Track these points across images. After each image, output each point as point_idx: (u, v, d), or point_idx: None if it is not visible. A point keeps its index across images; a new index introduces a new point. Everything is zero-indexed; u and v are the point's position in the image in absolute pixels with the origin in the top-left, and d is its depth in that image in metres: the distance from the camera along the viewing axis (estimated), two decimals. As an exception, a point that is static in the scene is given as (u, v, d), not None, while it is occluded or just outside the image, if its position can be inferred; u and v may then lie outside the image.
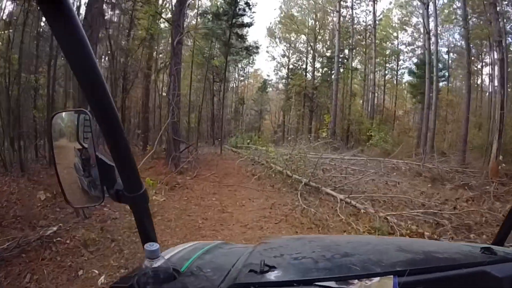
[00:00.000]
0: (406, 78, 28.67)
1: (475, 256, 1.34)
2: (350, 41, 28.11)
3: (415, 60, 27.01)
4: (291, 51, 31.01)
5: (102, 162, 1.21)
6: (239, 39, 23.97)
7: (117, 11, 19.25)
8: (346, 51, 28.33)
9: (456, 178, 13.76)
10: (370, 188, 11.24)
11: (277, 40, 31.38)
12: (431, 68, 21.23)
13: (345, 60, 28.24)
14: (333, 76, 27.11)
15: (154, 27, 18.20)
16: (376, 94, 28.03)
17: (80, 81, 0.95)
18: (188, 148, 15.85)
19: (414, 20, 27.13)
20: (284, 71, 31.08)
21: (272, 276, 1.13)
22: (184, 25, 16.28)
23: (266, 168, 14.15)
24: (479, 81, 24.72)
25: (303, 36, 30.67)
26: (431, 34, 22.67)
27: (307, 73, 29.93)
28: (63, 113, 1.44)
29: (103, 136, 1.07)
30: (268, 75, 37.20)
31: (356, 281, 1.08)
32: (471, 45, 22.96)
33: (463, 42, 23.79)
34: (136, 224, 1.30)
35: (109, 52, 17.15)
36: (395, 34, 28.53)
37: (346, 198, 9.84)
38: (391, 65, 29.13)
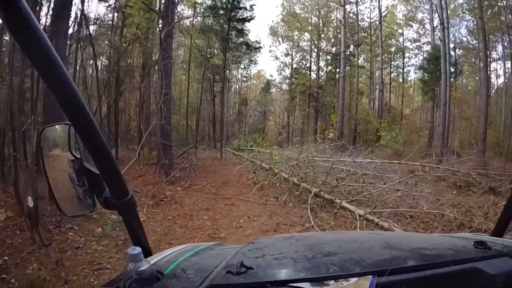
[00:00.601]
0: (412, 75, 27.48)
1: (467, 251, 1.25)
2: (355, 37, 26.49)
3: (421, 57, 25.62)
4: (294, 50, 29.53)
5: (89, 171, 1.22)
6: (239, 34, 21.82)
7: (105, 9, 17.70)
8: (352, 49, 26.64)
9: (482, 183, 11.73)
10: (391, 198, 9.21)
11: (279, 39, 29.88)
12: (445, 61, 19.04)
13: (352, 57, 26.48)
14: (339, 74, 25.44)
15: (144, 21, 16.12)
16: (383, 93, 26.27)
17: (53, 92, 0.93)
18: (183, 154, 13.82)
19: (419, 16, 25.90)
20: (287, 71, 29.70)
21: (247, 277, 1.06)
22: (175, 17, 14.28)
23: (270, 175, 12.14)
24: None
25: (306, 35, 29.18)
26: (439, 27, 20.75)
27: (312, 72, 28.48)
28: (52, 127, 1.40)
29: (84, 146, 1.06)
30: (272, 75, 35.84)
31: (332, 281, 1.00)
32: (478, 41, 21.63)
33: (469, 38, 23.09)
34: (127, 229, 1.28)
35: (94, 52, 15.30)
36: (400, 31, 27.01)
37: (367, 214, 7.96)
38: (396, 62, 27.60)
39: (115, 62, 16.51)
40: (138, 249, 1.07)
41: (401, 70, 27.37)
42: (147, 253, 1.31)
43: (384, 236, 2.18)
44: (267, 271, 1.15)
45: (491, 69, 22.37)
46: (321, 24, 28.22)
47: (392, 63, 27.34)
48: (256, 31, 46.23)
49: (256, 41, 24.97)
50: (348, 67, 25.82)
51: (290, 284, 1.00)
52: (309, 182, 10.39)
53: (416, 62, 26.16)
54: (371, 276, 1.00)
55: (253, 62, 29.32)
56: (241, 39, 22.71)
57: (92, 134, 1.03)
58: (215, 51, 23.13)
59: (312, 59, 28.49)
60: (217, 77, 23.77)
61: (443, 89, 18.21)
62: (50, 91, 0.92)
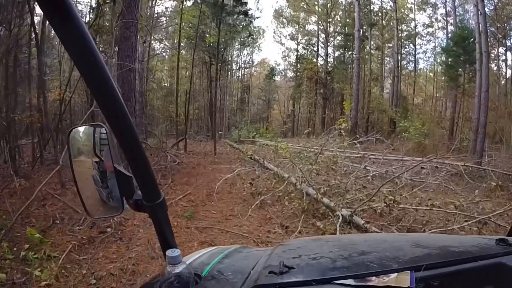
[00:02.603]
0: (422, 64, 25.34)
1: (490, 248, 1.20)
2: (368, 17, 23.41)
3: (432, 44, 23.37)
4: (300, 33, 26.74)
5: (120, 173, 1.08)
6: (236, 2, 17.59)
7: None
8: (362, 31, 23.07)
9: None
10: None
11: (284, 20, 26.92)
12: (486, 38, 14.99)
13: (366, 39, 23.27)
14: (353, 56, 22.09)
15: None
16: (399, 79, 23.08)
17: (95, 94, 0.90)
18: (159, 153, 9.84)
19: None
20: (293, 57, 26.96)
21: (291, 276, 1.00)
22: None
23: (275, 181, 8.31)
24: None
25: (313, 18, 26.32)
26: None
27: (319, 57, 25.64)
28: (80, 128, 1.28)
29: (121, 147, 0.98)
30: (276, 61, 32.98)
31: (374, 277, 0.98)
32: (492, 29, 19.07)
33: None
34: (156, 231, 1.16)
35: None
36: (411, 15, 23.98)
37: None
38: (406, 49, 24.38)
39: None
40: (177, 251, 1.01)
41: (411, 58, 24.50)
42: None
43: (410, 236, 2.03)
44: (308, 270, 1.08)
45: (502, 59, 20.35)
46: (329, 4, 25.08)
47: (403, 50, 24.18)
48: (260, 18, 42.59)
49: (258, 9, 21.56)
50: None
51: (334, 282, 0.97)
52: (334, 196, 6.68)
53: (427, 49, 23.91)
54: (409, 271, 0.98)
55: (252, 37, 25.73)
56: (239, 8, 18.31)
57: (129, 135, 0.95)
58: (212, 31, 19.29)
59: (320, 44, 25.68)
60: (214, 59, 20.04)
61: (484, 71, 14.19)
62: (90, 91, 0.89)
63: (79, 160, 1.26)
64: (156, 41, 21.42)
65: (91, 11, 14.17)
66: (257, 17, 22.82)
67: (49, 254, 4.58)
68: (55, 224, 5.79)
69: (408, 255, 1.13)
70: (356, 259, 1.12)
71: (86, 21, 13.61)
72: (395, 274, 0.97)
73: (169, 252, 0.99)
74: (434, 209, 5.77)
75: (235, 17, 19.41)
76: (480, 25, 15.06)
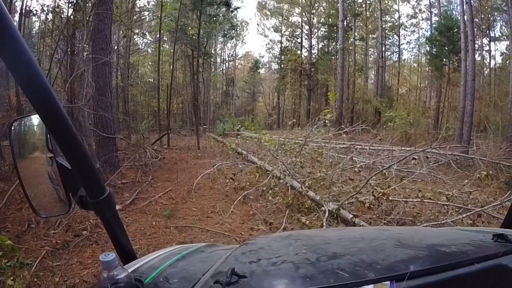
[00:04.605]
0: (405, 55, 25.58)
1: (487, 246, 1.00)
2: (352, 7, 23.34)
3: (416, 35, 23.43)
4: (284, 25, 26.72)
5: (62, 167, 1.01)
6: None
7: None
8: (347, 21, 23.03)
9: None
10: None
11: (268, 12, 26.82)
12: (472, 27, 14.83)
13: (350, 30, 23.11)
14: (338, 46, 21.35)
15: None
16: (384, 69, 23.18)
17: (17, 77, 0.78)
18: (138, 149, 9.41)
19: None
20: (277, 49, 27.00)
21: None
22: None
23: (258, 175, 7.98)
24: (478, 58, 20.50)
25: (297, 9, 26.28)
26: None
27: (303, 49, 25.69)
28: (25, 118, 1.22)
29: (53, 137, 0.93)
30: (260, 53, 32.81)
31: None
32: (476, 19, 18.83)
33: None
34: (106, 231, 1.07)
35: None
36: (395, 6, 24.06)
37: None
38: (390, 40, 24.69)
39: (61, 34, 11.79)
40: (111, 255, 0.85)
41: (395, 49, 24.75)
42: (131, 257, 1.09)
43: (393, 232, 1.46)
44: (263, 280, 0.88)
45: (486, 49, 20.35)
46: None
47: (387, 40, 24.52)
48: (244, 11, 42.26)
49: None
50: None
51: None
52: (320, 189, 6.40)
53: (411, 40, 24.20)
54: (388, 282, 0.80)
55: (235, 29, 25.70)
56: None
57: (61, 125, 0.84)
58: (194, 23, 18.74)
59: (304, 36, 25.77)
60: (196, 51, 19.52)
61: (470, 60, 14.04)
62: (12, 75, 0.76)
63: (25, 154, 1.23)
64: (138, 36, 21.08)
65: (69, 5, 13.52)
66: (238, 7, 22.28)
67: (22, 261, 4.28)
68: (31, 228, 5.45)
69: (389, 259, 0.93)
70: (324, 266, 0.91)
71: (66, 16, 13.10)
72: (370, 286, 0.80)
73: (102, 257, 0.86)
74: (425, 201, 5.55)
75: (215, 7, 18.94)
76: (465, 14, 14.88)
